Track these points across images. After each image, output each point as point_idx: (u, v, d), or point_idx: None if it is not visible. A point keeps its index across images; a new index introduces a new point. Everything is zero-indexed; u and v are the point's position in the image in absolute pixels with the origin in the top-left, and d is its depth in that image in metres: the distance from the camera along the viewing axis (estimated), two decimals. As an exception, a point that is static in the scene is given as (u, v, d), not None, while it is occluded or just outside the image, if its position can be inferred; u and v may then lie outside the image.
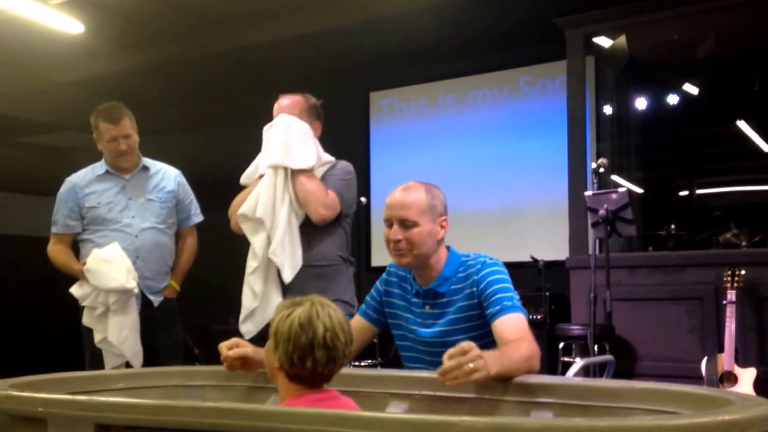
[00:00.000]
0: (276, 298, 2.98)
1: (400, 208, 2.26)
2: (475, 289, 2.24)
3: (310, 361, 1.72)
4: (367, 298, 2.53)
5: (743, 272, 4.39)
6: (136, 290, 3.34)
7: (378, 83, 7.58)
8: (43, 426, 1.70)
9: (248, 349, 2.23)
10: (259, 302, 3.00)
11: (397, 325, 2.43)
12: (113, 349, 3.30)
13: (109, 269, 3.28)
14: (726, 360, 4.28)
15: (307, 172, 2.99)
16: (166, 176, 3.65)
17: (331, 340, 1.73)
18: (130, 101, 3.61)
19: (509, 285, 2.22)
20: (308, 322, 1.73)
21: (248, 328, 3.03)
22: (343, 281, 3.06)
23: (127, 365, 3.32)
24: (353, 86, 7.56)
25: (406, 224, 2.25)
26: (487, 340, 2.17)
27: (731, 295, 4.35)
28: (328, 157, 3.12)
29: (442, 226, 2.31)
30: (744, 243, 5.13)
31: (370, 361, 5.25)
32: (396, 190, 2.31)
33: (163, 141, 6.45)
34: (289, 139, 3.00)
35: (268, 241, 2.98)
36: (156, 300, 3.52)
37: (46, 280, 4.28)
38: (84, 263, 3.35)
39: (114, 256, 3.32)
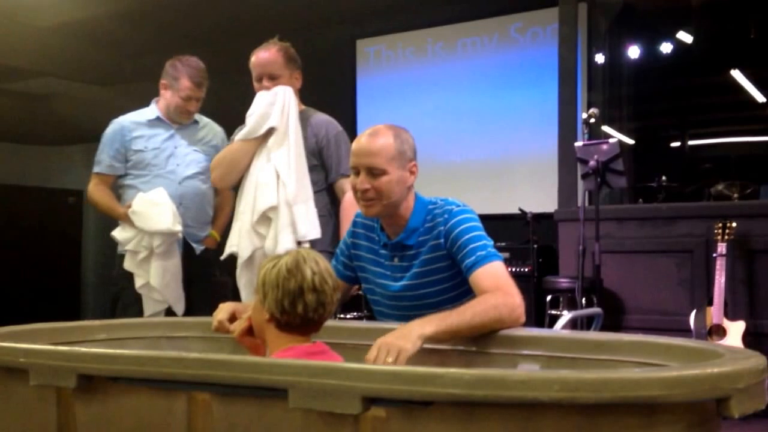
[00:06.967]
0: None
1: (368, 155, 2.14)
2: (441, 240, 2.14)
3: (300, 306, 1.74)
4: (337, 252, 2.44)
5: (734, 225, 4.37)
6: (181, 235, 3.34)
7: (365, 30, 7.44)
8: (25, 377, 1.69)
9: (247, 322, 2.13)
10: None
11: (366, 278, 2.35)
12: (155, 294, 3.28)
13: (157, 212, 3.27)
14: (715, 313, 4.29)
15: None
16: (212, 131, 3.65)
17: (320, 284, 1.76)
18: (112, 47, 3.52)
19: (481, 233, 2.11)
20: (296, 267, 1.76)
21: None
22: (329, 233, 3.07)
23: (168, 312, 3.31)
24: (340, 33, 7.43)
25: (373, 172, 2.13)
26: (460, 290, 2.13)
27: (722, 247, 4.34)
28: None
29: (412, 172, 2.20)
30: (736, 195, 5.12)
31: (356, 313, 5.24)
32: (362, 134, 2.19)
33: (146, 89, 6.32)
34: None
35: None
36: (198, 248, 3.52)
37: (27, 228, 4.22)
38: (129, 206, 3.32)
39: (161, 199, 3.31)
